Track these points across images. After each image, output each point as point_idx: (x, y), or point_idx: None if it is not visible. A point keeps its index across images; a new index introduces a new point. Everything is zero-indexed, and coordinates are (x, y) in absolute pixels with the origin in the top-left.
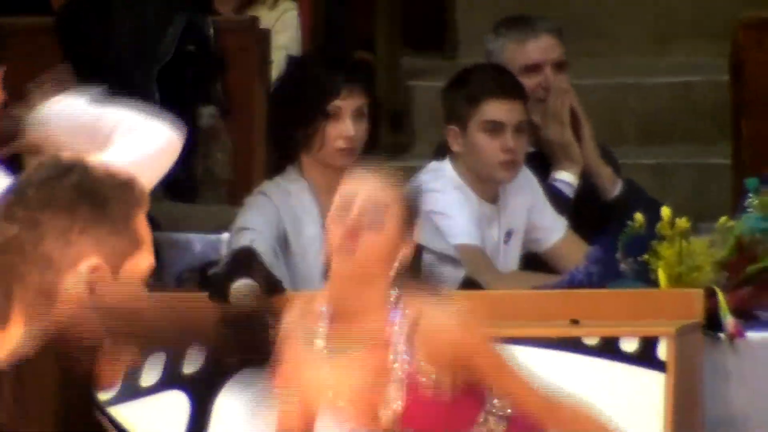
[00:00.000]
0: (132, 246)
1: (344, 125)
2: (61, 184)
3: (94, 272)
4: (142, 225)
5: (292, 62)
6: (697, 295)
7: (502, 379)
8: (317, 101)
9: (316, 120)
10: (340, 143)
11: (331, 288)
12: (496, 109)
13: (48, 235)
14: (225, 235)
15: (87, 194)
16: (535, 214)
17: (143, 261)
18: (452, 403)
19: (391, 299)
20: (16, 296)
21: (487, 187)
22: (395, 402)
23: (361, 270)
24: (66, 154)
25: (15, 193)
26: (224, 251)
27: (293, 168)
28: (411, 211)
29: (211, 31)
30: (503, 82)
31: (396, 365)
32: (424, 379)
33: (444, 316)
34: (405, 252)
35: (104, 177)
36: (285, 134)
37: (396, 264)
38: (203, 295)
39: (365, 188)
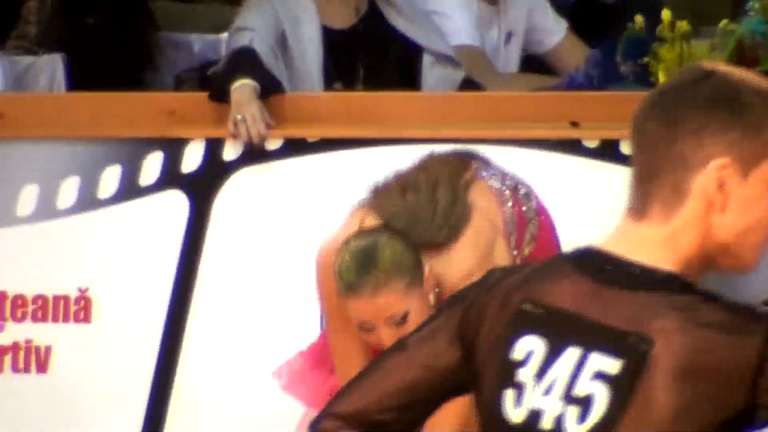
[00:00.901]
0: (763, 153)
1: None
2: (699, 87)
3: (722, 171)
4: None
5: None
6: None
7: None
8: None
9: None
10: None
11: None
12: None
13: (683, 134)
14: (224, 36)
15: (724, 98)
16: (535, 16)
17: None
18: None
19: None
20: (652, 193)
21: None
22: None
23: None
24: None
25: (656, 93)
26: (223, 52)
27: None
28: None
29: None
30: None
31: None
32: None
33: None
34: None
35: (741, 83)
36: None
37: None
38: (202, 95)
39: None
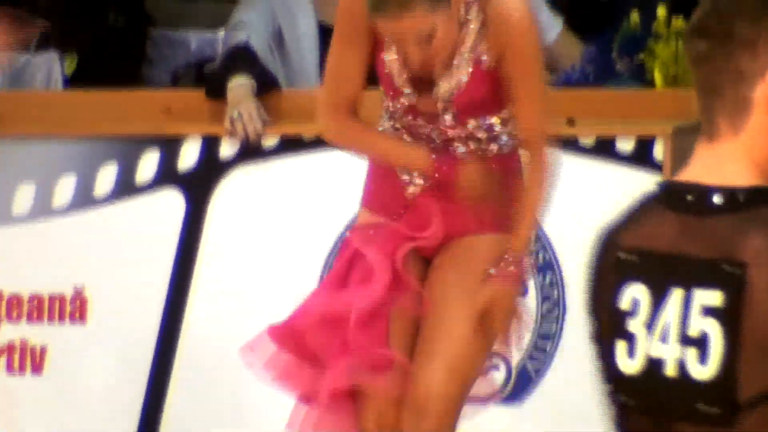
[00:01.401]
0: None
1: None
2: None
3: None
4: None
5: None
6: (693, 95)
7: (522, 87)
8: None
9: None
10: None
11: None
12: None
13: (737, 47)
14: (221, 33)
15: None
16: None
17: None
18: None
19: None
20: (716, 109)
21: None
22: (461, 74)
23: None
24: None
25: (706, 8)
26: (220, 49)
27: None
28: None
29: None
30: None
31: (467, 40)
32: (484, 57)
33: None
34: None
35: None
36: None
37: None
38: (199, 92)
39: None
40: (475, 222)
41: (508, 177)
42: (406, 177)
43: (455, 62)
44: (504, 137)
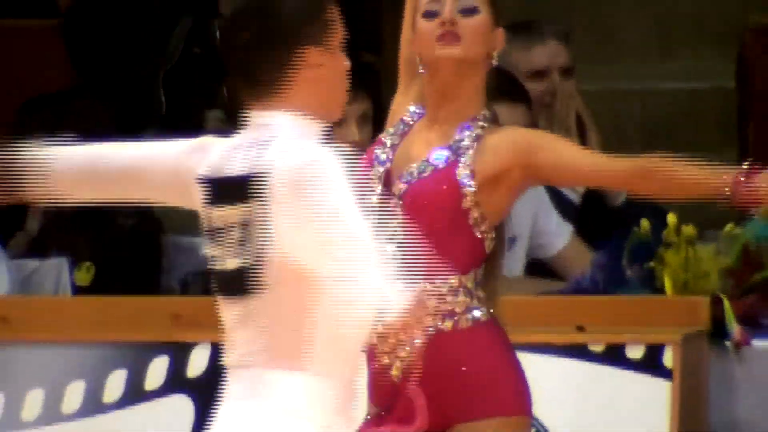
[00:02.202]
0: None
1: (349, 130)
2: None
3: None
4: None
5: None
6: (703, 302)
7: (567, 165)
8: None
9: None
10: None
11: (434, 76)
12: (499, 113)
13: None
14: None
15: None
16: (540, 220)
17: None
18: None
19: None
20: None
21: None
22: None
23: (466, 53)
24: None
25: None
26: None
27: None
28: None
29: (218, 34)
30: (507, 86)
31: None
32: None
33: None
34: (499, 39)
35: None
36: None
37: (494, 52)
38: (208, 299)
39: None
40: (469, 404)
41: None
42: (386, 360)
43: None
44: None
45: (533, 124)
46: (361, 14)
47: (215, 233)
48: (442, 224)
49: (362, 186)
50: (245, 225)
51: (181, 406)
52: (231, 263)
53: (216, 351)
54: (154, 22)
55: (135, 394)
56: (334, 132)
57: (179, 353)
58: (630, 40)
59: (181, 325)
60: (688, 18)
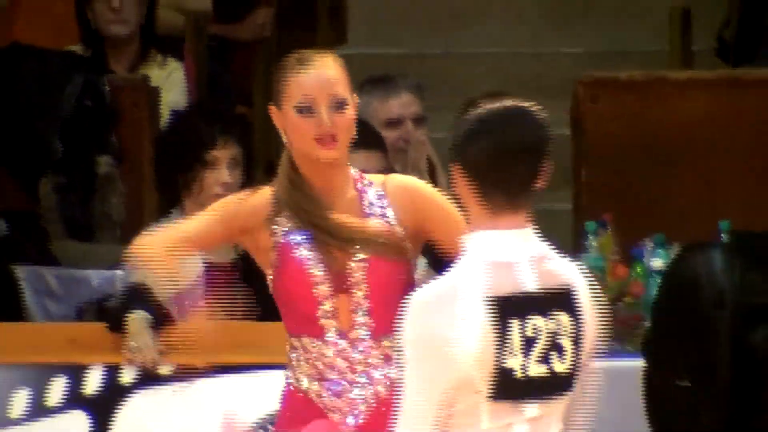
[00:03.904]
0: None
1: (221, 173)
2: None
3: None
4: None
5: (175, 116)
6: None
7: (452, 229)
8: (196, 151)
9: (196, 168)
10: (217, 189)
11: (311, 165)
12: (356, 159)
13: None
14: (119, 272)
15: None
16: None
17: None
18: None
19: (354, 174)
20: None
21: None
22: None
23: (343, 151)
24: None
25: None
26: (119, 286)
27: (177, 210)
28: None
29: (107, 88)
30: (363, 135)
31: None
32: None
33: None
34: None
35: None
36: (169, 180)
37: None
38: (101, 325)
39: (320, 73)
40: None
41: None
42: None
43: None
44: None
45: (390, 168)
46: (235, 71)
47: (526, 343)
48: None
49: None
50: (560, 334)
51: (79, 421)
52: (558, 367)
53: (109, 371)
54: (51, 80)
55: (37, 411)
56: (206, 175)
57: (76, 373)
58: (477, 92)
59: (77, 349)
60: (529, 74)
